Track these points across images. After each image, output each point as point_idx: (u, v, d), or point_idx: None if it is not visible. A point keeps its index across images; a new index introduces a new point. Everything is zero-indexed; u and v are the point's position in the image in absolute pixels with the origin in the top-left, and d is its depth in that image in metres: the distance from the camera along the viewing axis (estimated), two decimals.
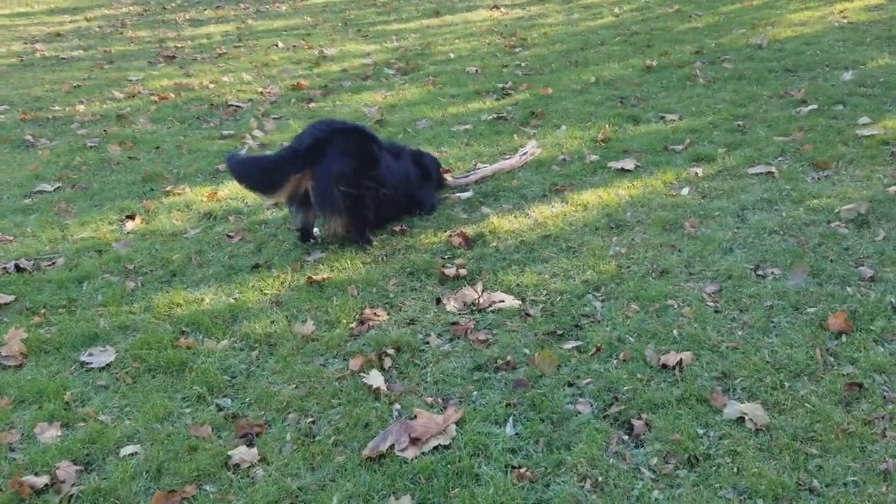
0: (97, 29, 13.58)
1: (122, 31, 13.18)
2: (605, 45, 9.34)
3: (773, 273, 3.79)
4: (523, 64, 8.77)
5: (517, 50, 9.54)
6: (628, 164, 5.39)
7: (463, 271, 4.08)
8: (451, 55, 9.63)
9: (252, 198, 5.16)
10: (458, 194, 5.22)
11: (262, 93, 8.34)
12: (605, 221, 4.57)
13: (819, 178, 4.91)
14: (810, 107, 6.20)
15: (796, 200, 4.59)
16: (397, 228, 4.67)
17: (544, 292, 3.83)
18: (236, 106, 7.85)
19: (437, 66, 9.03)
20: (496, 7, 12.94)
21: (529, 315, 3.63)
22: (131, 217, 5.06)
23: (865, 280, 3.65)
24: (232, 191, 5.45)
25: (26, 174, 6.00)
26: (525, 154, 5.58)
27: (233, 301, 3.95)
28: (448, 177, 5.30)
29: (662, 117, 6.41)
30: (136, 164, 6.17)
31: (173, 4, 15.82)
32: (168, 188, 5.55)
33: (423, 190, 4.96)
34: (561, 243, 4.35)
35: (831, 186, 4.73)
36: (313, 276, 4.10)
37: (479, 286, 3.90)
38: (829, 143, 5.40)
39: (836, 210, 4.34)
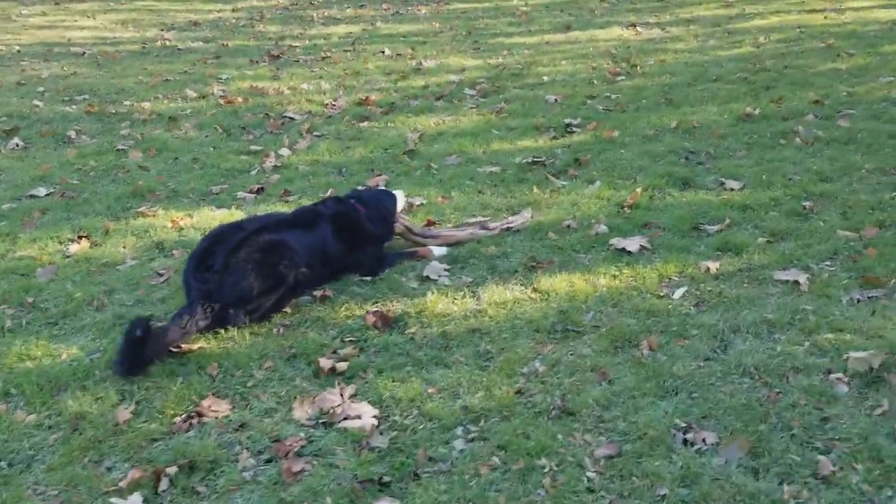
0: (234, 20, 13.90)
1: (253, 25, 13.38)
2: (719, 81, 8.15)
3: (703, 441, 2.84)
4: (613, 96, 7.81)
5: (619, 79, 8.55)
6: (634, 243, 4.46)
7: (343, 365, 3.43)
8: (546, 78, 8.81)
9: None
10: (434, 250, 4.53)
11: (326, 105, 7.97)
12: (554, 322, 3.72)
13: (858, 301, 3.76)
14: None
15: (807, 330, 3.51)
16: (319, 294, 4.06)
17: (414, 413, 3.11)
18: (290, 118, 7.53)
19: (521, 91, 8.26)
20: (633, 25, 11.85)
21: (370, 446, 2.92)
22: (85, 237, 4.82)
23: (817, 479, 2.62)
24: (200, 220, 5.08)
25: (34, 174, 5.97)
26: (510, 224, 4.76)
27: (88, 362, 3.54)
28: (403, 224, 4.59)
29: (722, 183, 5.33)
30: (140, 176, 5.97)
31: (320, 0, 15.94)
32: (143, 207, 5.26)
33: (357, 252, 4.30)
34: (482, 344, 3.58)
35: (866, 317, 3.59)
36: (185, 345, 3.59)
37: (348, 391, 3.24)
38: None
39: (846, 356, 3.24)
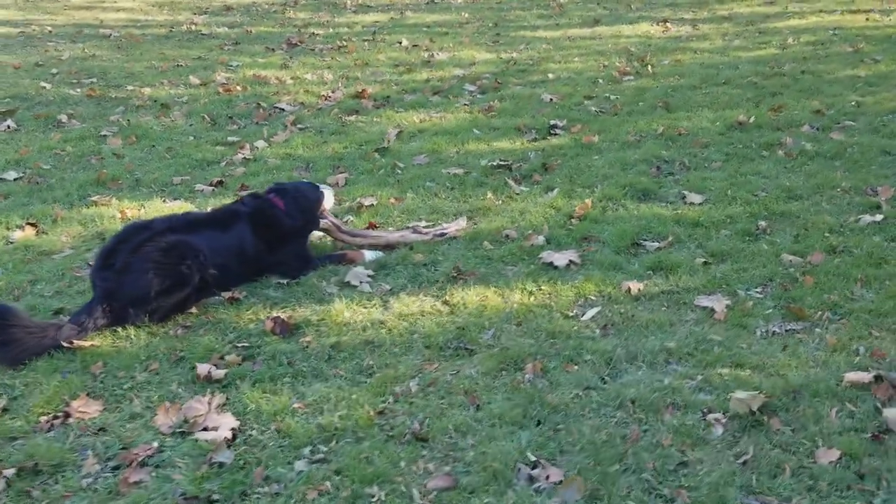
0: (266, 6, 14.00)
1: (285, 11, 13.45)
2: (727, 84, 7.84)
3: (546, 479, 2.71)
4: (613, 98, 7.58)
5: (626, 79, 8.30)
6: (563, 258, 4.31)
7: (220, 373, 3.40)
8: (551, 75, 8.61)
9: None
10: (366, 254, 4.46)
11: (322, 96, 7.94)
12: (450, 338, 3.62)
13: (774, 334, 3.55)
14: (877, 217, 4.61)
15: (705, 363, 3.34)
16: (228, 295, 4.04)
17: (271, 428, 3.06)
18: (280, 109, 7.52)
19: (521, 88, 8.09)
20: (665, 21, 11.49)
21: (213, 461, 2.88)
22: (32, 225, 4.90)
23: None
24: (150, 211, 5.12)
25: (11, 157, 6.11)
26: (444, 231, 4.65)
27: None
28: (331, 221, 4.51)
29: (684, 197, 5.12)
30: (110, 163, 6.05)
31: None
32: (97, 196, 5.33)
33: (279, 251, 4.26)
34: (368, 358, 3.50)
35: (775, 352, 3.39)
36: (77, 341, 3.61)
37: (216, 400, 3.22)
38: (843, 279, 3.94)
39: (730, 394, 3.06)
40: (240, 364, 3.48)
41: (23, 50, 10.18)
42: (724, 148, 6.00)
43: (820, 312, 3.67)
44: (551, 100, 7.58)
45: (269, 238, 4.23)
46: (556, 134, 6.59)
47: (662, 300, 3.89)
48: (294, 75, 8.84)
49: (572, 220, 4.85)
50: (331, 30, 11.77)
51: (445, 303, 3.94)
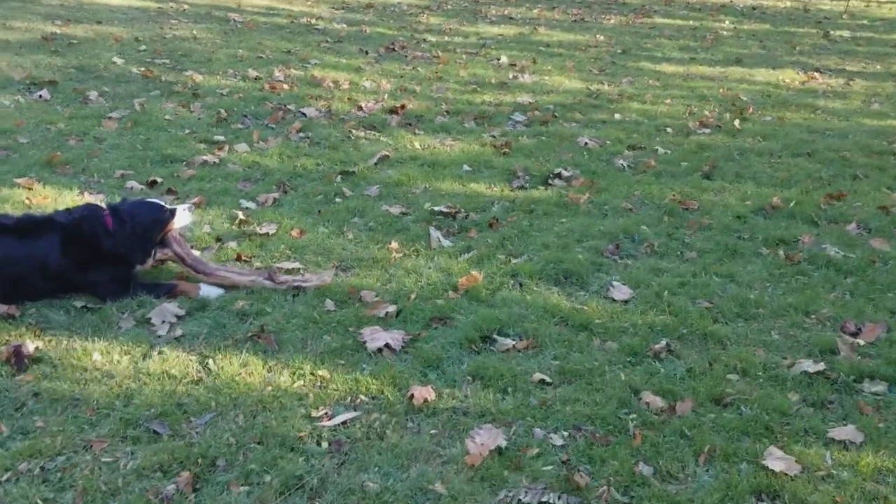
0: (406, 7, 13.84)
1: (420, 15, 13.20)
2: (809, 157, 6.51)
3: None
4: (661, 151, 6.53)
5: (699, 132, 7.16)
6: (382, 339, 3.60)
7: None
8: (619, 115, 7.64)
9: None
10: (204, 288, 4.02)
11: (359, 107, 7.55)
12: (151, 415, 3.08)
13: (515, 502, 2.66)
14: (816, 366, 3.45)
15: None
16: (4, 310, 3.74)
17: None
18: (301, 114, 7.23)
19: (568, 127, 7.23)
20: (816, 71, 9.93)
21: None
22: None
23: None
24: (61, 201, 4.98)
25: (4, 127, 6.26)
26: (304, 283, 4.06)
27: None
28: (175, 250, 4.07)
29: (607, 289, 4.17)
30: (80, 147, 6.03)
31: None
32: (23, 179, 5.28)
33: (92, 271, 3.90)
34: (49, 417, 3.05)
35: None
36: None
37: None
38: (688, 446, 2.92)
39: None
40: None
41: (142, 25, 10.68)
42: (719, 235, 4.87)
43: (604, 489, 2.71)
44: (586, 144, 6.65)
45: (82, 256, 3.89)
46: (551, 185, 5.73)
47: (441, 420, 3.09)
48: (355, 81, 8.51)
49: (450, 292, 4.08)
50: (445, 38, 11.34)
51: (206, 368, 3.39)
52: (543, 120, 7.41)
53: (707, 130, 7.22)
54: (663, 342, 3.64)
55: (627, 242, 4.77)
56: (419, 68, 9.36)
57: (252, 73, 8.47)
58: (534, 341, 3.65)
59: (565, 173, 5.90)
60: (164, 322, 3.78)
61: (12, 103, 6.94)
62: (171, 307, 3.86)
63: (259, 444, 2.93)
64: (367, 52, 10.05)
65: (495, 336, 3.69)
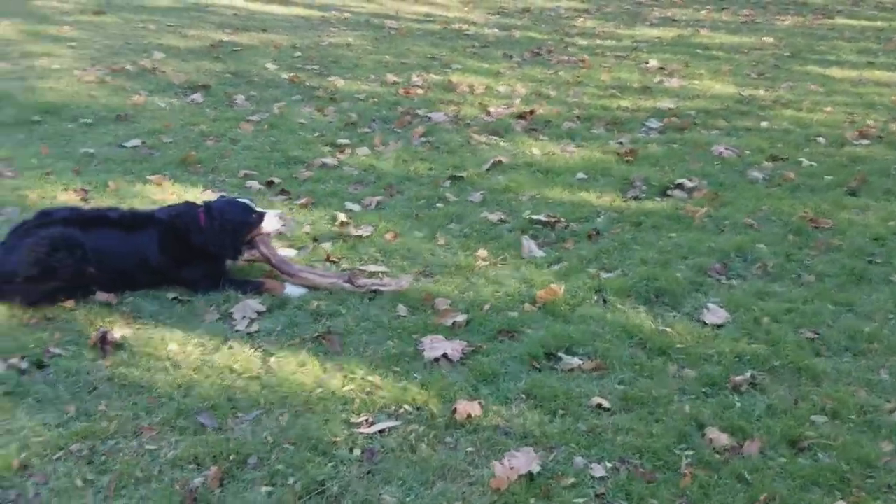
0: (564, 10, 13.61)
1: (576, 18, 12.95)
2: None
3: None
4: (806, 163, 5.99)
5: (856, 143, 6.51)
6: (441, 349, 3.53)
7: None
8: (766, 123, 7.10)
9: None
10: (289, 287, 4.15)
11: (488, 111, 7.52)
12: (194, 410, 3.19)
13: None
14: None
15: None
16: (106, 297, 4.01)
17: None
18: (428, 118, 7.28)
19: (706, 134, 6.81)
20: None
21: None
22: (84, 191, 5.40)
23: None
24: (188, 196, 5.25)
25: (153, 127, 6.74)
26: (381, 287, 4.06)
27: None
28: (262, 250, 4.20)
29: (700, 312, 3.85)
30: (216, 148, 6.36)
31: None
32: (155, 176, 5.65)
33: (186, 266, 4.10)
34: (113, 402, 3.24)
35: None
36: None
37: None
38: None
39: None
40: (23, 371, 3.41)
41: (303, 32, 11.21)
42: (847, 258, 4.38)
43: None
44: (721, 153, 6.23)
45: (177, 252, 4.10)
46: (669, 196, 5.40)
47: (481, 438, 2.98)
48: (491, 85, 8.47)
49: (526, 304, 3.93)
50: (596, 42, 11.04)
51: (267, 364, 3.47)
52: (680, 126, 7.01)
53: (865, 141, 6.53)
54: (748, 373, 3.30)
55: (738, 262, 4.39)
56: (561, 72, 9.16)
57: (391, 78, 8.63)
58: (602, 362, 3.43)
59: (688, 184, 5.53)
60: (244, 317, 3.90)
61: (167, 105, 7.48)
62: (254, 303, 3.98)
63: (293, 444, 2.94)
64: (510, 57, 9.97)
65: (562, 354, 3.50)
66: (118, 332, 3.70)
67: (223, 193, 5.07)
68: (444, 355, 3.47)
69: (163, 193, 5.39)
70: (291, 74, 8.64)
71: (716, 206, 5.16)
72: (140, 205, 5.12)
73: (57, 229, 3.94)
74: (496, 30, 11.79)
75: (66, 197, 5.30)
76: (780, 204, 5.13)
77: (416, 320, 3.80)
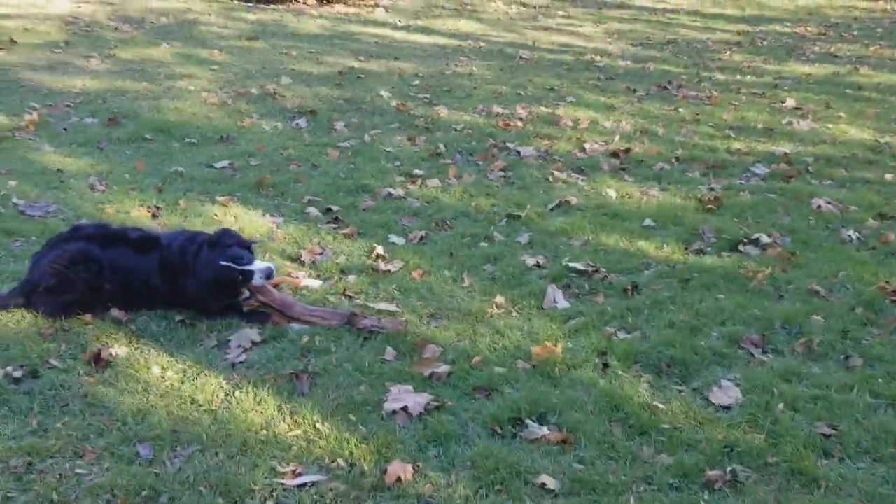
0: (711, 43, 12.89)
1: (724, 52, 12.22)
2: None
3: None
4: None
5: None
6: (415, 402, 3.34)
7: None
8: (890, 176, 6.30)
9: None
10: (292, 323, 4.15)
11: (581, 148, 7.23)
12: (124, 440, 3.21)
13: None
14: None
15: None
16: (120, 313, 4.16)
17: None
18: (517, 153, 7.08)
19: (815, 185, 6.14)
20: None
21: None
22: (157, 207, 5.69)
23: None
24: (246, 220, 5.42)
25: (245, 149, 7.01)
26: (381, 328, 3.94)
27: None
28: (260, 300, 4.14)
29: (709, 389, 3.43)
30: (288, 172, 6.51)
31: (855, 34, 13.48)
32: (224, 197, 5.85)
33: (185, 296, 4.16)
34: (96, 422, 3.33)
35: None
36: None
37: None
38: None
39: None
40: (15, 380, 3.59)
41: (433, 61, 11.33)
42: None
43: None
44: (819, 207, 5.59)
45: (174, 285, 4.17)
46: (738, 252, 4.89)
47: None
48: (597, 120, 8.13)
49: (519, 361, 3.66)
50: (736, 77, 10.34)
51: (229, 398, 3.44)
52: (788, 174, 6.37)
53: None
54: (730, 468, 2.85)
55: (781, 334, 3.87)
56: (681, 109, 8.64)
57: (497, 109, 8.50)
58: (571, 436, 3.10)
59: (765, 239, 4.99)
60: (238, 346, 3.91)
61: (272, 129, 7.77)
62: (252, 333, 3.98)
63: (209, 488, 2.87)
64: (633, 91, 9.54)
65: (530, 420, 3.21)
66: (115, 349, 3.81)
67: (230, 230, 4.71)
68: (405, 408, 3.27)
69: (224, 215, 5.56)
70: (399, 102, 8.71)
71: (786, 267, 4.59)
72: (202, 225, 5.31)
73: (78, 244, 4.13)
74: (630, 62, 11.36)
75: (138, 213, 5.58)
76: (861, 270, 4.49)
77: (397, 367, 3.64)
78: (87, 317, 4.12)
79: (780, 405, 3.24)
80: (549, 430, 3.16)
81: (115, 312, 4.16)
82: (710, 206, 5.64)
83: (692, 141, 7.40)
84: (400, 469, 2.90)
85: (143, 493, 2.84)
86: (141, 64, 10.37)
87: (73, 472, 2.98)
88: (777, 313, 4.02)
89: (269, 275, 4.03)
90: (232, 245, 4.08)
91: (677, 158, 6.86)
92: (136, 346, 3.90)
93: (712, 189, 6.05)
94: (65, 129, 7.50)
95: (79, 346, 3.87)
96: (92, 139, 7.21)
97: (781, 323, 3.95)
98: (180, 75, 9.83)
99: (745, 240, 4.99)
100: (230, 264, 3.99)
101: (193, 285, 4.09)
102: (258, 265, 4.05)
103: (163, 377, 3.61)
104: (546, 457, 3.01)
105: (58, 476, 2.95)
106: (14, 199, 5.74)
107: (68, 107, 8.25)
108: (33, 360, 3.73)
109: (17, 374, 3.61)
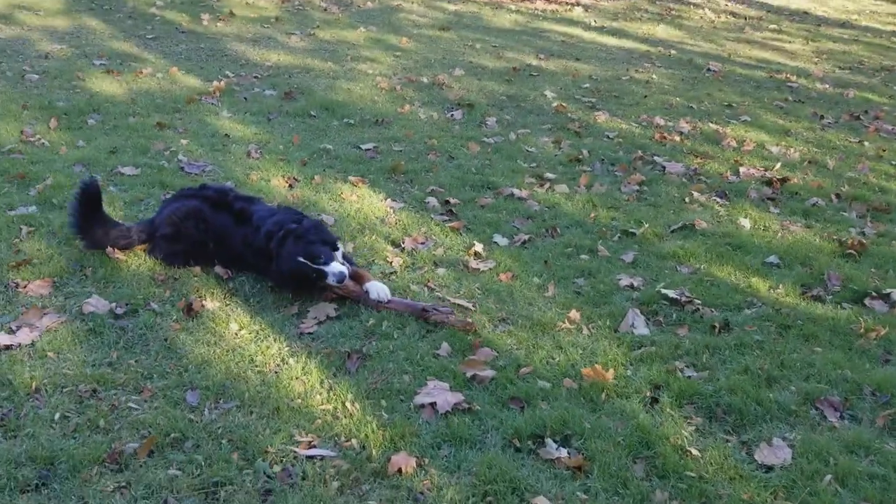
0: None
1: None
2: None
3: None
4: None
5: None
6: (447, 402, 3.42)
7: (107, 311, 4.09)
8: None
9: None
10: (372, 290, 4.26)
11: (737, 172, 6.85)
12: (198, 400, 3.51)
13: None
14: None
15: None
16: (222, 271, 4.52)
17: None
18: (661, 168, 6.82)
19: None
20: None
21: None
22: (295, 179, 6.11)
23: None
24: (367, 206, 5.69)
25: (399, 135, 7.30)
26: (450, 321, 3.99)
27: None
28: (340, 291, 4.22)
29: (762, 443, 3.22)
30: (430, 160, 6.67)
31: None
32: (364, 177, 6.11)
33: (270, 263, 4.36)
34: (156, 363, 3.71)
35: None
36: (117, 248, 4.68)
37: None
38: None
39: None
40: (116, 316, 4.04)
41: (613, 65, 11.09)
42: None
43: None
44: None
45: (256, 262, 4.42)
46: (862, 304, 4.49)
47: (393, 496, 2.86)
48: (765, 144, 7.64)
49: (567, 379, 3.60)
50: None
51: (281, 364, 3.67)
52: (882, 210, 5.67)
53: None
54: None
55: (868, 401, 3.50)
56: (866, 142, 7.91)
57: (659, 121, 8.21)
58: (587, 464, 3.02)
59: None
60: (314, 318, 4.13)
61: (427, 118, 8.00)
62: (329, 308, 4.18)
63: (229, 441, 3.09)
64: (820, 117, 8.83)
65: (552, 440, 3.15)
66: (207, 302, 4.16)
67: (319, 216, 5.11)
68: (433, 404, 3.33)
69: (351, 194, 5.83)
70: (559, 103, 8.65)
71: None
72: (327, 201, 5.61)
73: (195, 202, 4.55)
74: (829, 85, 10.49)
75: (277, 183, 6.01)
76: None
77: (446, 363, 3.69)
78: (196, 269, 4.52)
79: (829, 477, 2.95)
80: (567, 453, 3.08)
81: (218, 269, 4.52)
82: (851, 250, 5.14)
83: (862, 179, 6.76)
84: (403, 461, 2.96)
85: (172, 436, 3.11)
86: (334, 44, 11.02)
87: (126, 405, 3.31)
88: (872, 377, 3.63)
89: (341, 279, 4.11)
90: (315, 242, 4.18)
91: (838, 195, 6.30)
92: (226, 302, 4.22)
93: (862, 233, 5.51)
94: (245, 99, 8.16)
95: (180, 295, 4.26)
96: (264, 110, 7.79)
97: (872, 388, 3.56)
98: (365, 58, 10.33)
99: (875, 293, 4.52)
100: (307, 262, 4.11)
101: (273, 269, 4.31)
102: (333, 268, 4.10)
103: (237, 335, 3.90)
104: (552, 479, 2.94)
105: (111, 406, 3.29)
106: (180, 156, 6.37)
107: (256, 78, 8.96)
108: (138, 300, 4.16)
109: (120, 310, 4.05)
